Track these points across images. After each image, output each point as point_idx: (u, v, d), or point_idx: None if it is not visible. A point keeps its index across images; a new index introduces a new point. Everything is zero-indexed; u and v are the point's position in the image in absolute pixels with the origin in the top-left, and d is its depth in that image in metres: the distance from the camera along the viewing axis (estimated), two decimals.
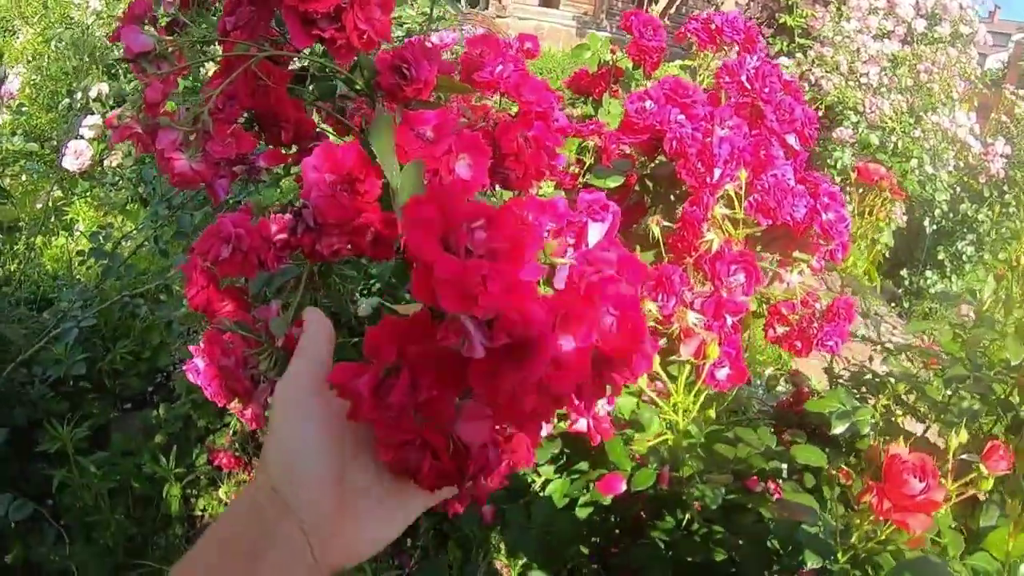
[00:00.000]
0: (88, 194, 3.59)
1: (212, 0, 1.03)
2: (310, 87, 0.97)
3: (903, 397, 1.62)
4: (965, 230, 5.17)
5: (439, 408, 0.52)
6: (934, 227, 5.13)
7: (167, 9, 0.82)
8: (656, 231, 1.09)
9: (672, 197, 1.41)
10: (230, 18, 0.86)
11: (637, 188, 1.41)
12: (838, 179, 4.94)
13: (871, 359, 1.93)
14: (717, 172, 1.07)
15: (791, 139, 1.33)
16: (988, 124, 6.15)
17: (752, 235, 1.25)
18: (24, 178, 3.78)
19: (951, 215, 5.13)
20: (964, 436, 1.06)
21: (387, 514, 0.57)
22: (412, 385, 0.51)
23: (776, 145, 1.32)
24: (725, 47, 1.67)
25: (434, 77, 0.88)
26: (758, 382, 2.27)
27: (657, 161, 1.38)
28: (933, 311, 5.21)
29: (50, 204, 3.22)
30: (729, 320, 1.02)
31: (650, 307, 0.98)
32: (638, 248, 1.25)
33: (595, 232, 0.80)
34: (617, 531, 1.50)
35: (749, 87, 1.31)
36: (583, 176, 1.47)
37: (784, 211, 1.18)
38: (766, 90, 1.31)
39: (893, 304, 5.23)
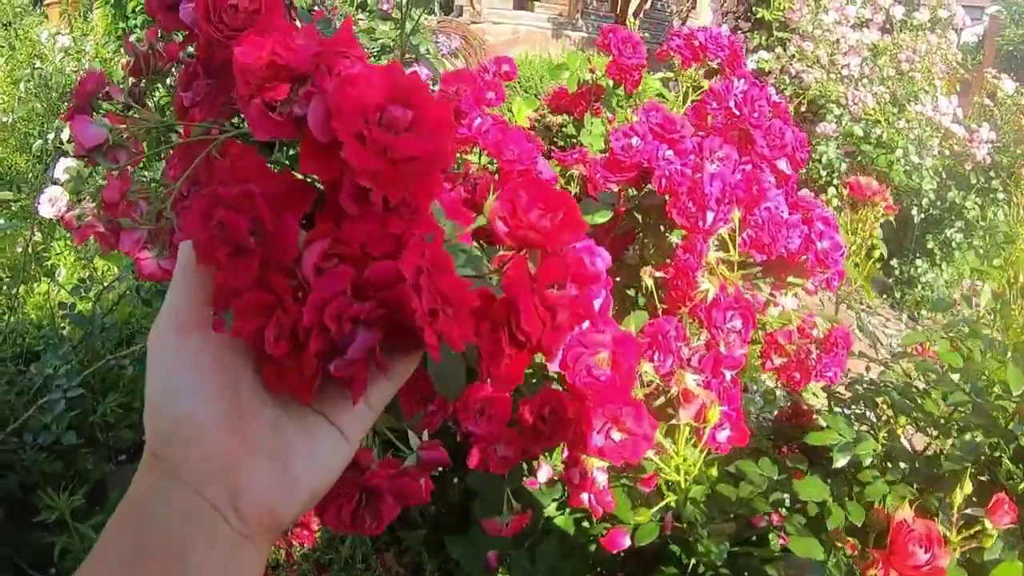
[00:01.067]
0: (68, 238, 3.53)
1: (167, 67, 0.98)
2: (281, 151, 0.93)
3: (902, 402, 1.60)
4: (953, 217, 5.15)
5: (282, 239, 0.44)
6: (922, 216, 5.10)
7: (116, 96, 0.77)
8: (649, 283, 1.05)
9: (661, 227, 1.37)
10: (187, 94, 0.81)
11: (625, 218, 1.37)
12: (823, 173, 4.92)
13: (868, 369, 1.90)
14: (710, 216, 1.02)
15: (782, 164, 1.29)
16: (971, 107, 6.13)
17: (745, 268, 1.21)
18: (1, 222, 3.73)
19: (938, 203, 5.11)
20: (968, 488, 1.04)
21: (313, 443, 0.48)
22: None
23: (767, 171, 1.28)
24: (709, 62, 1.62)
25: None
26: (754, 387, 2.23)
27: (645, 191, 1.34)
28: (925, 299, 5.20)
29: (30, 251, 3.16)
30: (728, 375, 0.97)
31: (646, 368, 0.93)
32: (629, 291, 1.21)
33: None
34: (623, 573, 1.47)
35: (738, 113, 1.27)
36: None
37: (779, 245, 1.14)
38: (755, 115, 1.27)
39: (884, 296, 5.21)
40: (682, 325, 0.98)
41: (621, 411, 0.80)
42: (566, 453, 0.94)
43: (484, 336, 0.54)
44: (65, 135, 3.08)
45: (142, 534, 0.43)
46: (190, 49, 0.83)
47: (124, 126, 0.77)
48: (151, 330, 0.48)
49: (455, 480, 1.55)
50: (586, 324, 0.82)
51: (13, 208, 3.70)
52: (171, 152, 0.83)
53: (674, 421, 0.93)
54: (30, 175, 4.02)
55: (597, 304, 0.70)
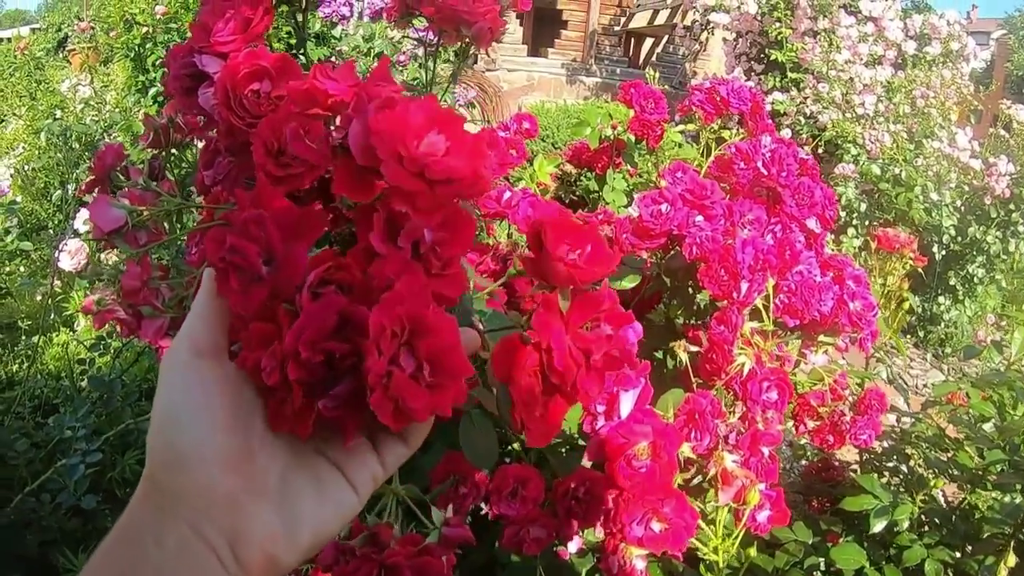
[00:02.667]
0: (87, 289, 3.53)
1: (188, 138, 0.96)
2: None
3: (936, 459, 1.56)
4: (974, 252, 5.09)
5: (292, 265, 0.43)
6: (943, 252, 5.04)
7: (135, 176, 0.75)
8: (684, 357, 1.02)
9: (689, 287, 1.34)
10: (208, 172, 0.79)
11: (652, 281, 1.35)
12: (843, 215, 4.88)
13: (899, 420, 1.86)
14: (744, 286, 0.99)
15: (812, 223, 1.27)
16: (987, 139, 6.10)
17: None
18: (22, 270, 3.73)
19: (959, 239, 5.05)
20: (1012, 561, 1.00)
21: (321, 492, 0.45)
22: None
23: (796, 231, 1.26)
24: (731, 116, 1.61)
25: None
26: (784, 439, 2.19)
27: (672, 252, 1.31)
28: (949, 337, 5.13)
29: (49, 302, 3.16)
30: (766, 451, 0.94)
31: (683, 448, 0.90)
32: (658, 356, 1.18)
33: (627, 402, 0.74)
34: None
35: (766, 172, 1.24)
36: None
37: (812, 310, 1.12)
38: (783, 174, 1.24)
39: (908, 335, 5.14)
40: (717, 400, 0.95)
41: (662, 502, 0.76)
42: (599, 531, 0.91)
43: (516, 384, 0.51)
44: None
45: (131, 569, 0.41)
46: None
47: (144, 208, 0.75)
48: (166, 352, 0.46)
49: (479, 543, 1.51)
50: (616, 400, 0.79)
51: (33, 257, 3.70)
52: (191, 235, 0.82)
53: (713, 503, 0.89)
54: (50, 225, 4.04)
55: (635, 394, 0.67)
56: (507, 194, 0.95)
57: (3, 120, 5.74)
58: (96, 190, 0.85)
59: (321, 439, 0.46)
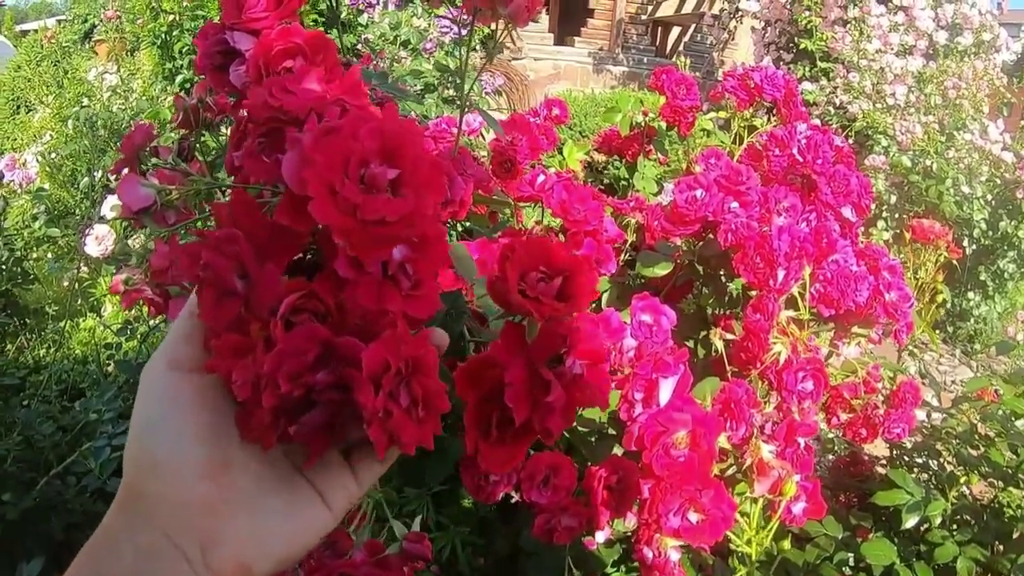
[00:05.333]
0: (114, 274, 3.55)
1: (217, 120, 0.95)
2: None
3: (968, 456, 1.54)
4: (1006, 247, 5.00)
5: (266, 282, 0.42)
6: (973, 247, 4.97)
7: (164, 155, 0.74)
8: (719, 345, 1.00)
9: (722, 276, 1.32)
10: (238, 153, 0.77)
11: (684, 268, 1.33)
12: (873, 207, 4.82)
13: (929, 415, 1.83)
14: (781, 274, 0.97)
15: (847, 211, 1.24)
16: (1018, 131, 6.00)
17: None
18: (49, 256, 3.76)
19: (990, 233, 4.97)
20: None
21: (295, 506, 0.46)
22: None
23: (831, 219, 1.23)
24: (765, 104, 1.58)
25: (470, 195, 0.81)
26: None
27: (705, 240, 1.29)
28: (978, 333, 5.06)
29: (76, 287, 3.19)
30: (802, 443, 0.92)
31: (719, 438, 0.88)
32: (690, 345, 1.16)
33: (666, 389, 0.72)
34: None
35: (801, 159, 1.22)
36: (624, 254, 1.39)
37: (848, 300, 1.09)
38: (819, 161, 1.22)
39: (937, 330, 5.08)
40: (752, 389, 0.93)
41: (700, 492, 0.75)
42: (631, 520, 0.89)
43: (472, 409, 0.51)
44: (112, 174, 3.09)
45: (106, 571, 0.42)
46: None
47: (173, 187, 0.74)
48: (146, 366, 0.47)
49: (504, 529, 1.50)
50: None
51: (60, 244, 3.73)
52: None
53: (748, 494, 0.87)
54: (77, 212, 4.06)
55: (674, 381, 0.66)
56: (541, 177, 0.93)
57: (31, 109, 5.78)
58: (125, 170, 0.85)
59: (297, 453, 0.46)
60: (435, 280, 0.46)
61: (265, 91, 0.50)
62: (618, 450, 0.96)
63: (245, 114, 0.76)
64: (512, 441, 0.51)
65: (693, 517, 0.76)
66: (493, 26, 0.85)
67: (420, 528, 0.72)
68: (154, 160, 0.83)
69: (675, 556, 0.83)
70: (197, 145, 0.92)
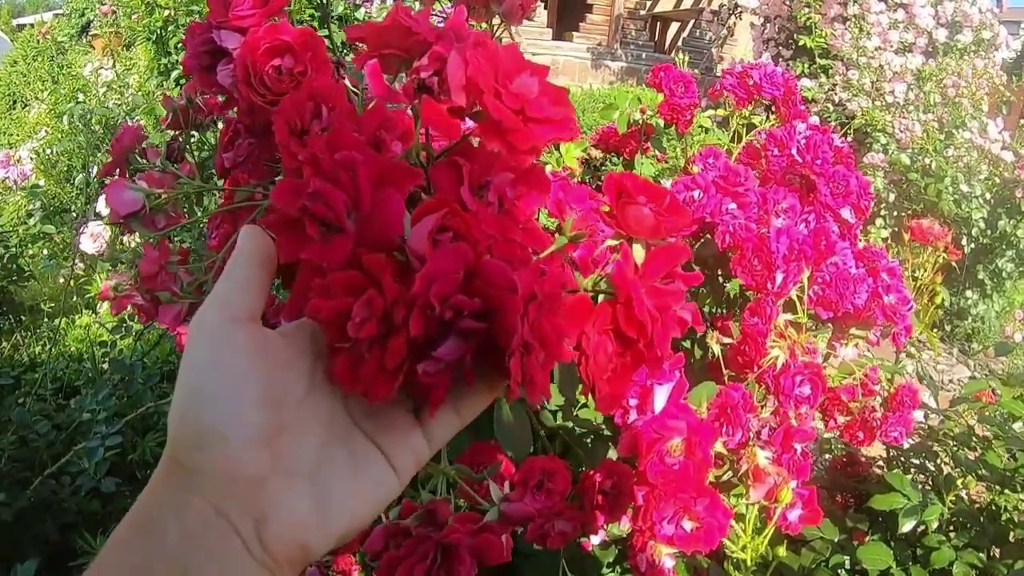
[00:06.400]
0: (109, 272, 3.54)
1: (207, 120, 0.94)
2: None
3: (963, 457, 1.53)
4: (1004, 246, 4.99)
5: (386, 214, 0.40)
6: (972, 245, 4.96)
7: (153, 158, 0.73)
8: (716, 349, 0.98)
9: (719, 276, 1.31)
10: (228, 154, 0.76)
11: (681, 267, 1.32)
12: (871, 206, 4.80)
13: (926, 417, 1.82)
14: (779, 277, 0.96)
15: (846, 212, 1.23)
16: (1018, 130, 5.99)
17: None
18: (44, 252, 3.75)
19: (988, 232, 4.95)
20: None
21: (358, 471, 0.41)
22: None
23: (830, 220, 1.22)
24: (764, 101, 1.56)
25: None
26: None
27: (702, 240, 1.28)
28: (976, 332, 5.05)
29: (71, 283, 3.17)
30: (799, 448, 0.91)
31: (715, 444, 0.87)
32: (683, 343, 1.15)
33: (661, 395, 0.71)
34: None
35: (800, 160, 1.21)
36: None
37: (846, 302, 1.08)
38: (818, 162, 1.21)
39: (935, 329, 5.07)
40: (749, 393, 0.92)
41: (695, 500, 0.73)
42: (626, 523, 0.88)
43: (588, 342, 0.48)
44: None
45: (148, 552, 0.37)
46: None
47: (162, 190, 0.73)
48: (194, 318, 0.42)
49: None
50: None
51: (55, 240, 3.72)
52: (212, 218, 0.79)
53: (744, 500, 0.86)
54: (72, 208, 4.05)
55: (669, 387, 0.65)
56: None
57: (26, 104, 5.76)
58: (115, 172, 0.83)
59: (360, 412, 0.42)
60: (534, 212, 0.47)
61: (392, 13, 0.50)
62: (613, 453, 0.95)
63: (235, 114, 0.75)
64: (624, 373, 0.49)
65: (687, 525, 0.75)
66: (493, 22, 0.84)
67: None
68: (143, 162, 0.82)
69: (669, 563, 0.82)
70: (188, 146, 0.91)
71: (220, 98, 0.76)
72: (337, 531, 0.40)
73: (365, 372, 0.38)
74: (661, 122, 1.72)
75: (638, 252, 0.51)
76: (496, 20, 0.84)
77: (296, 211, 0.40)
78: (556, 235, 0.54)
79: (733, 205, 1.09)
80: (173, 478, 0.38)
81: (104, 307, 3.51)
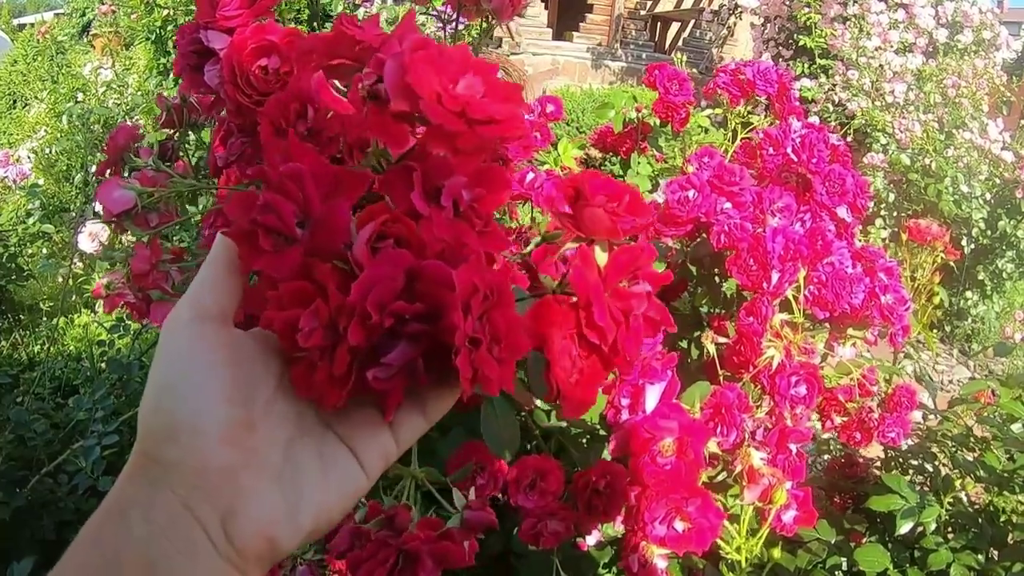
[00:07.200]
0: (108, 269, 3.54)
1: (204, 117, 0.94)
2: None
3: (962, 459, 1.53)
4: (1004, 247, 4.98)
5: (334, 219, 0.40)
6: (972, 246, 4.95)
7: (146, 157, 0.73)
8: (711, 349, 0.98)
9: (715, 276, 1.31)
10: (221, 153, 0.76)
11: (678, 268, 1.31)
12: (871, 205, 4.80)
13: (925, 418, 1.82)
14: (775, 276, 0.96)
15: (842, 211, 1.23)
16: (1018, 130, 5.98)
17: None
18: (44, 251, 3.75)
19: (988, 232, 4.94)
20: None
21: (326, 469, 0.42)
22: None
23: (827, 220, 1.22)
24: (760, 99, 1.56)
25: None
26: None
27: (698, 240, 1.28)
28: (976, 332, 5.05)
29: (70, 282, 3.17)
30: (794, 448, 0.91)
31: (709, 444, 0.87)
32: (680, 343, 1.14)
33: (653, 395, 0.71)
34: None
35: (796, 159, 1.20)
36: None
37: (843, 302, 1.08)
38: (814, 160, 1.21)
39: (934, 329, 5.06)
40: (744, 393, 0.92)
41: (687, 501, 0.73)
42: (619, 524, 0.88)
43: (551, 346, 0.48)
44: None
45: (115, 546, 0.38)
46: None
47: (155, 189, 0.73)
48: (167, 318, 0.43)
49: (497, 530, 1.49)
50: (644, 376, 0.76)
51: (54, 239, 3.72)
52: (206, 216, 0.79)
53: (738, 502, 0.86)
54: (71, 207, 4.05)
55: (661, 387, 0.64)
56: (530, 176, 0.92)
57: (26, 104, 5.76)
58: (109, 171, 0.83)
59: (329, 412, 0.43)
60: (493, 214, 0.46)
61: (336, 25, 0.50)
62: (607, 453, 0.95)
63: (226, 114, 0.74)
64: (591, 378, 0.48)
65: (679, 526, 0.75)
66: (491, 20, 0.84)
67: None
68: (139, 161, 0.82)
69: (662, 564, 0.82)
70: (183, 145, 0.91)
71: (212, 97, 0.75)
72: (305, 526, 0.41)
73: (317, 380, 0.39)
74: (657, 120, 1.72)
75: (600, 254, 0.50)
76: (494, 20, 0.84)
77: (248, 223, 0.40)
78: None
79: (728, 204, 1.09)
80: (142, 472, 0.39)
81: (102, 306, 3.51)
